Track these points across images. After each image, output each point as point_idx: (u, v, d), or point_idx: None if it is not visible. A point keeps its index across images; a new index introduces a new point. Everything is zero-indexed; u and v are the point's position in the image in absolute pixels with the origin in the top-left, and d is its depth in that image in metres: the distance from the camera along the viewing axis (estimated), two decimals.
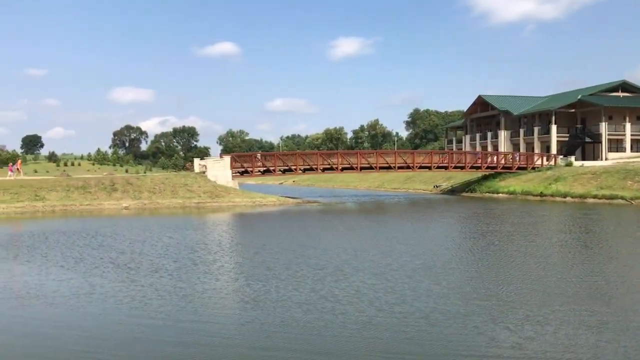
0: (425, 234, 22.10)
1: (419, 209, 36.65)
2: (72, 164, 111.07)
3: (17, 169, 48.29)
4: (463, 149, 70.04)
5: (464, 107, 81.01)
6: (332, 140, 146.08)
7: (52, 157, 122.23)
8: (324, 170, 47.63)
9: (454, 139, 80.00)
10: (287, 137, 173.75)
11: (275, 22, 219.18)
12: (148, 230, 23.22)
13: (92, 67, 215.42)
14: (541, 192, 42.90)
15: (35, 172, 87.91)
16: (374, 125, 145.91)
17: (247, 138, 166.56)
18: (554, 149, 58.00)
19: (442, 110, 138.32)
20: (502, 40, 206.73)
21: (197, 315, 9.92)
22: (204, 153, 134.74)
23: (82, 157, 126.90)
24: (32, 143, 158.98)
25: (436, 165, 50.48)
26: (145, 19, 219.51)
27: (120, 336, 8.84)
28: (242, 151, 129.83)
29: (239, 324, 9.37)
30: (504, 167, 52.29)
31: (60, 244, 18.69)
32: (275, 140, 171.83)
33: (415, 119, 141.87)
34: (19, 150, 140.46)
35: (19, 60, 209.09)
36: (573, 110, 59.70)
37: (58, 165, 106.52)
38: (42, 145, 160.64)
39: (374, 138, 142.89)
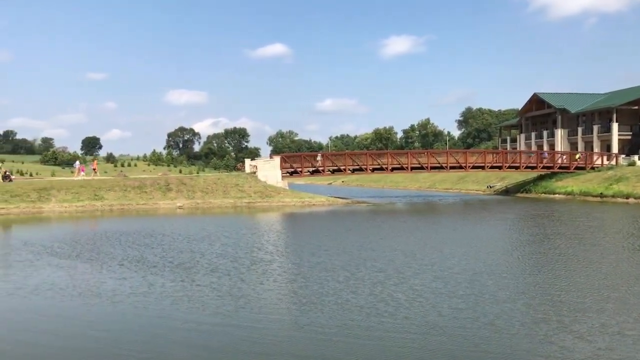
0: (485, 235, 21.41)
1: (474, 210, 35.78)
2: (129, 165, 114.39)
3: (94, 169, 49.89)
4: (517, 149, 68.17)
5: (519, 106, 78.89)
6: (382, 140, 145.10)
7: (109, 158, 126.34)
8: (373, 170, 47.20)
9: (508, 138, 77.99)
10: (336, 137, 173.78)
11: (327, 23, 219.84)
12: (204, 229, 23.46)
13: (148, 71, 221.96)
14: (601, 193, 41.22)
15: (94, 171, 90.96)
16: (425, 124, 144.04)
17: (296, 139, 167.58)
18: (615, 148, 55.64)
19: (496, 109, 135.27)
20: (560, 35, 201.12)
21: (254, 317, 9.82)
22: (254, 154, 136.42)
23: (138, 158, 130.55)
24: (91, 144, 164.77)
25: (489, 165, 49.29)
26: (199, 24, 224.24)
27: (177, 337, 8.80)
28: (291, 152, 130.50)
29: (298, 327, 9.21)
30: (560, 167, 50.58)
31: (122, 243, 19.09)
32: (324, 140, 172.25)
33: (468, 117, 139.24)
34: (79, 152, 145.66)
35: (80, 64, 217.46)
36: (637, 107, 57.13)
37: (115, 166, 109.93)
38: (100, 147, 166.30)
39: (425, 137, 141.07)
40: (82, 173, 48.67)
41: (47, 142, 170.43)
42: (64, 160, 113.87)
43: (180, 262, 15.22)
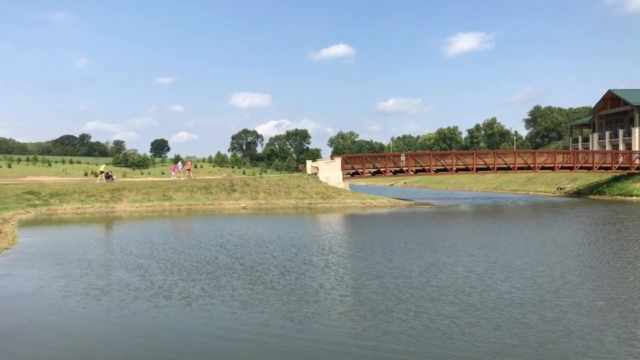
0: (564, 241, 19.89)
1: (546, 213, 34.09)
2: (195, 166, 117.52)
3: (188, 170, 51.29)
4: (590, 148, 65.24)
5: (591, 104, 75.57)
6: (446, 140, 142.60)
7: (177, 160, 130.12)
8: (436, 171, 46.35)
9: (579, 137, 74.81)
10: (398, 138, 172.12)
11: (390, 22, 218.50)
12: (272, 231, 23.61)
13: (213, 75, 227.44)
14: None
15: (162, 173, 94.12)
16: (491, 123, 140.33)
17: (357, 139, 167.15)
18: None
19: (566, 107, 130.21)
20: (638, 29, 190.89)
21: (325, 322, 9.55)
22: (315, 155, 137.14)
23: (203, 160, 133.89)
24: (159, 147, 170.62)
25: (560, 165, 47.43)
26: (263, 27, 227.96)
27: (250, 342, 8.60)
28: (352, 152, 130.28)
29: (370, 337, 8.79)
30: (638, 168, 48.01)
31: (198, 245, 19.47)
32: (385, 141, 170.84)
33: (536, 116, 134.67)
34: (149, 154, 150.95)
35: (150, 69, 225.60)
36: None
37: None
38: (168, 149, 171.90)
39: (491, 137, 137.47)
40: (173, 173, 50.84)
41: (118, 145, 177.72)
42: (134, 162, 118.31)
43: (252, 264, 15.21)
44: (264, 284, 12.54)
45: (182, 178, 46.76)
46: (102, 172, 47.18)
